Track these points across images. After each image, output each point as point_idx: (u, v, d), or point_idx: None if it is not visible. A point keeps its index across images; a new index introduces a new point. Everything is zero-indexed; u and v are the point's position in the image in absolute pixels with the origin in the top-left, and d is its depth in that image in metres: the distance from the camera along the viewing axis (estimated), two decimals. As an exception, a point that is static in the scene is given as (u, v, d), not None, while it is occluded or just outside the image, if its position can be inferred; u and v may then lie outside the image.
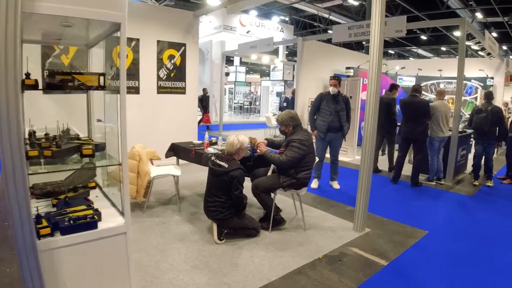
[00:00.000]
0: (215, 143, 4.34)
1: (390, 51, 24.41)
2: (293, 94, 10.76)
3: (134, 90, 5.99)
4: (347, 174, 6.29)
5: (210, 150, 3.89)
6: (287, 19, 19.23)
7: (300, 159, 3.37)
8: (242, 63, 22.30)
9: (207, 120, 13.27)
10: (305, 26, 19.99)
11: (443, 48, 22.95)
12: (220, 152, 3.35)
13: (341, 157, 5.75)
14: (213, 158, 3.21)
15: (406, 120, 5.77)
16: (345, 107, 5.06)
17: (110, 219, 2.16)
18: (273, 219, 3.49)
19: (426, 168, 6.11)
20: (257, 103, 21.82)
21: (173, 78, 6.40)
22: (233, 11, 13.51)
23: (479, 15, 15.03)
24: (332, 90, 4.95)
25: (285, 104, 15.56)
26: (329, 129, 5.01)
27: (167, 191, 4.85)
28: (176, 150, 4.56)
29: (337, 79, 4.96)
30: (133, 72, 5.94)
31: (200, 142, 4.47)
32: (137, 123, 6.02)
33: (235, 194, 3.07)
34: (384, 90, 7.33)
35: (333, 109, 4.97)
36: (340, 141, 5.19)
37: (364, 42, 17.04)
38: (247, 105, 20.42)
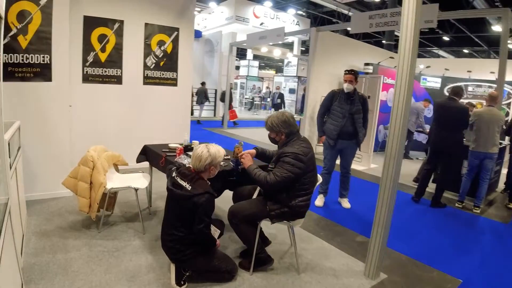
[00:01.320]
0: (192, 149, 3.43)
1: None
2: (305, 91, 9.82)
3: (116, 79, 5.16)
4: (360, 188, 5.35)
5: (183, 159, 3.00)
6: (304, 15, 18.19)
7: (293, 181, 2.45)
8: (255, 57, 21.37)
9: (233, 116, 12.78)
10: (323, 22, 18.87)
11: (465, 51, 21.51)
12: (186, 166, 2.44)
13: (353, 165, 4.81)
14: (174, 174, 2.32)
15: (438, 128, 4.79)
16: (362, 109, 4.10)
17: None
18: (255, 257, 2.59)
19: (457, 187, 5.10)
20: (268, 99, 20.86)
21: (163, 68, 5.53)
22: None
23: (503, 17, 13.70)
24: (346, 87, 3.99)
25: (278, 101, 14.62)
26: (340, 135, 4.07)
27: (140, 201, 3.99)
28: (148, 154, 3.70)
29: (353, 73, 3.99)
30: (115, 59, 5.11)
31: (176, 145, 3.59)
32: (117, 118, 5.23)
33: (198, 229, 2.18)
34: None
35: (347, 110, 4.02)
36: (353, 150, 4.24)
37: (384, 41, 15.92)
38: (257, 101, 19.46)
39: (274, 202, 2.52)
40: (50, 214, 3.61)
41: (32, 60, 3.82)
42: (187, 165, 2.41)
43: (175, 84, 5.70)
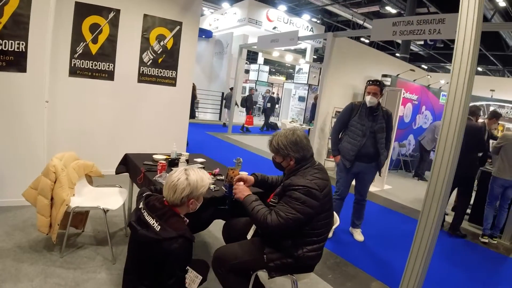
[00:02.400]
0: (172, 162, 2.80)
1: (423, 66, 22.42)
2: (316, 100, 9.23)
3: (107, 75, 4.61)
4: (372, 213, 4.72)
5: (164, 178, 2.40)
6: (318, 22, 17.61)
7: (302, 223, 1.84)
8: (266, 62, 20.81)
9: (250, 122, 12.57)
10: (337, 31, 18.26)
11: (479, 69, 20.76)
12: (157, 194, 1.82)
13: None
14: (141, 205, 1.73)
15: None
16: (386, 127, 3.49)
17: None
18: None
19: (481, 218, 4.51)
20: (277, 106, 20.26)
21: (161, 65, 4.97)
22: None
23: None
24: (369, 100, 3.37)
25: (268, 105, 13.58)
26: (358, 156, 3.45)
27: (117, 218, 3.41)
28: (129, 166, 3.12)
29: (378, 84, 3.38)
30: (108, 52, 4.56)
31: (163, 157, 3.00)
32: (106, 118, 4.68)
33: (168, 285, 1.58)
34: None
35: (368, 128, 3.41)
36: (372, 174, 3.62)
37: (398, 53, 15.28)
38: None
39: (275, 250, 1.89)
40: (12, 227, 3.06)
41: (5, 47, 3.28)
42: (154, 197, 1.80)
43: (174, 84, 5.13)
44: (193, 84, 7.54)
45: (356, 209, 3.78)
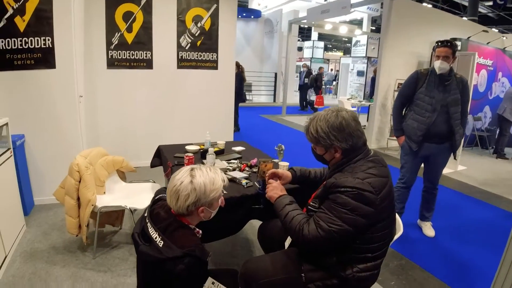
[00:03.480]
0: (204, 154, 2.44)
1: (493, 29, 19.54)
2: (375, 73, 8.38)
3: (145, 64, 4.43)
4: (445, 200, 4.04)
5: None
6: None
7: (351, 237, 1.37)
8: (320, 38, 19.73)
9: (320, 102, 11.84)
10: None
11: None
12: (164, 200, 1.45)
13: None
14: (146, 213, 1.41)
15: None
16: (461, 99, 2.82)
17: None
18: None
19: None
20: (334, 82, 19.28)
21: (200, 48, 4.68)
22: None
23: None
24: (439, 66, 2.69)
25: (306, 81, 11.95)
26: (427, 136, 2.82)
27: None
28: (162, 159, 2.87)
29: (450, 46, 2.68)
30: (144, 40, 4.37)
31: (195, 148, 2.69)
32: (147, 108, 4.54)
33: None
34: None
35: (439, 101, 2.75)
36: (444, 157, 2.96)
37: (464, 17, 13.34)
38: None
39: (315, 267, 1.46)
40: (50, 227, 3.02)
41: (32, 45, 3.18)
42: (160, 204, 1.45)
43: (215, 67, 4.82)
44: (240, 65, 7.21)
45: (426, 199, 3.18)
